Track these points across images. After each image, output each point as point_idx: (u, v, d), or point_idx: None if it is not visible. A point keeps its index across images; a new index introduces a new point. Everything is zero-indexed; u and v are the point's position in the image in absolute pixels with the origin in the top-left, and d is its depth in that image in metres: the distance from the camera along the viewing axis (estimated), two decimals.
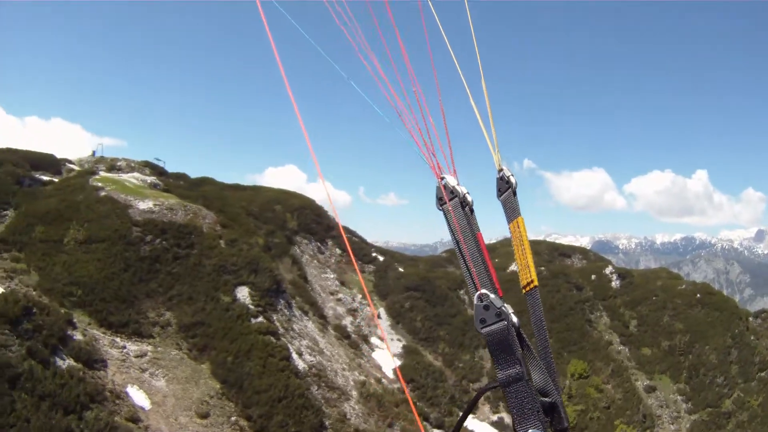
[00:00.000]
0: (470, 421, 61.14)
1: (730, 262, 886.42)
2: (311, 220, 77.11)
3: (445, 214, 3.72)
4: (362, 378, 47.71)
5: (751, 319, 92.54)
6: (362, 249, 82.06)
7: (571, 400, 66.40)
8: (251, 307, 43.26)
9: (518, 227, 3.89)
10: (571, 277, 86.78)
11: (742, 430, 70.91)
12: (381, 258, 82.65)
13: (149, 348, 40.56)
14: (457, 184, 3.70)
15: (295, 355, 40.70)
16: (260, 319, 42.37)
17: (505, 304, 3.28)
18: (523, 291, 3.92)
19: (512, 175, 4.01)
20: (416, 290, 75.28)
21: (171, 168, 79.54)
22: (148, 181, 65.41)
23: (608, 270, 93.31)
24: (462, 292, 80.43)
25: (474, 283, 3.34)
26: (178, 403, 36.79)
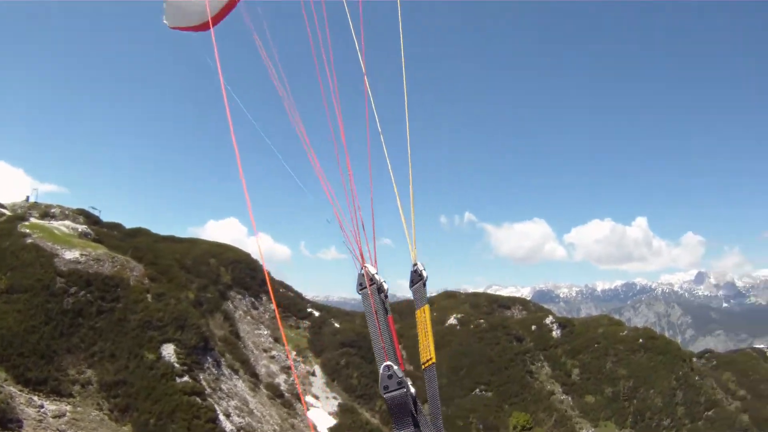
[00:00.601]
0: None
1: (671, 304, 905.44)
2: (246, 275, 74.74)
3: (363, 298, 4.73)
4: None
5: (695, 359, 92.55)
6: (297, 304, 79.84)
7: None
8: (177, 365, 39.98)
9: (424, 314, 5.01)
10: (511, 329, 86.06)
11: None
12: (317, 313, 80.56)
13: (68, 408, 37.79)
14: (376, 273, 4.81)
15: (222, 417, 37.83)
16: (186, 378, 39.05)
17: (406, 377, 4.34)
18: (423, 367, 4.91)
19: (424, 269, 5.00)
20: (352, 346, 73.21)
21: (109, 217, 77.32)
22: (79, 229, 62.11)
23: (548, 320, 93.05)
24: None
25: (382, 355, 4.53)
26: None
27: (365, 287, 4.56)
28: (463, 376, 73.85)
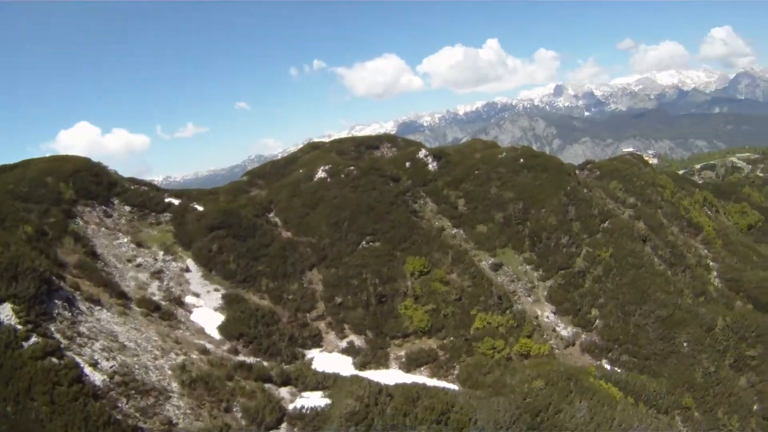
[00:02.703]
0: (317, 356, 55.60)
1: (534, 118, 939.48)
2: (90, 182, 66.17)
3: None
4: (181, 359, 39.56)
5: (578, 172, 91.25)
6: (153, 198, 71.88)
7: (418, 302, 62.25)
8: (19, 327, 32.73)
9: None
10: (384, 170, 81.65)
11: (600, 284, 69.72)
12: (176, 202, 73.29)
13: None
14: None
15: (88, 369, 31.43)
16: (34, 339, 31.78)
17: None
18: None
19: None
20: (221, 228, 66.93)
21: None
22: None
23: (422, 153, 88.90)
24: (271, 215, 73.49)
25: None
26: None
27: None
28: (345, 230, 69.47)
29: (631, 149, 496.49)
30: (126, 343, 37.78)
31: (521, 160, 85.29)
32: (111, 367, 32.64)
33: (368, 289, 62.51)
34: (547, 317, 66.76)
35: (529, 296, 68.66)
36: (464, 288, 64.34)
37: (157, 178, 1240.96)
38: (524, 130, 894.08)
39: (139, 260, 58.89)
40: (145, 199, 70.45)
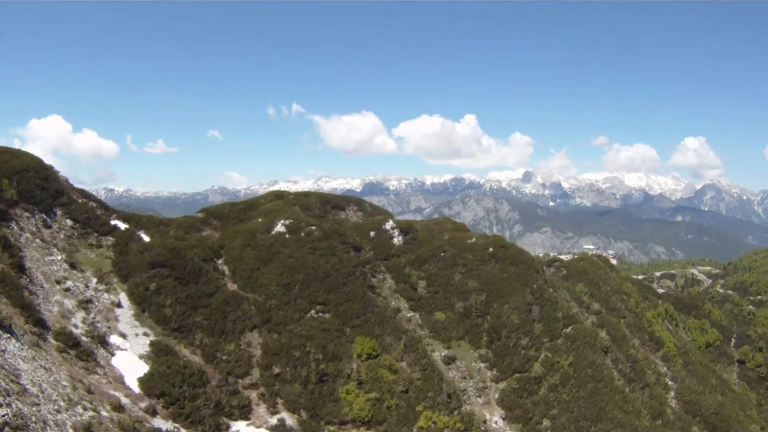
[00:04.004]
0: (242, 431, 49.95)
1: (499, 200, 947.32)
2: (36, 186, 60.47)
3: None
4: (88, 417, 33.91)
5: (545, 268, 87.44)
6: (99, 217, 66.15)
7: (362, 387, 57.68)
8: None
9: None
10: (347, 237, 77.27)
11: (556, 393, 65.35)
12: (123, 226, 67.87)
13: None
14: None
15: None
16: None
17: None
18: None
19: None
20: (164, 266, 61.40)
21: None
22: None
23: (389, 225, 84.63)
24: (220, 261, 68.23)
25: None
26: None
27: None
28: (296, 295, 64.77)
29: (591, 246, 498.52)
30: (28, 386, 32.09)
31: (490, 249, 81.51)
32: (2, 416, 26.90)
33: (310, 365, 57.60)
34: (496, 422, 62.35)
35: (480, 397, 64.35)
36: (413, 380, 59.77)
37: (118, 188, 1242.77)
38: (488, 211, 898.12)
39: (68, 284, 53.21)
40: (90, 216, 64.83)
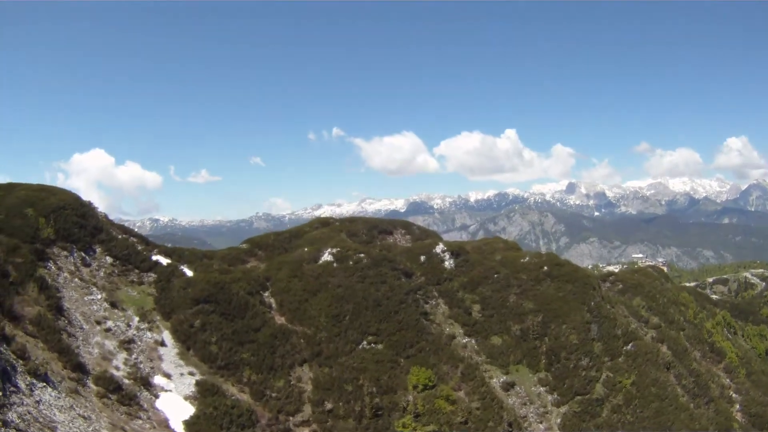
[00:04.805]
0: None
1: (544, 214, 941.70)
2: (73, 223, 59.22)
3: None
4: None
5: (600, 284, 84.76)
6: (140, 252, 64.79)
7: (419, 420, 55.45)
8: None
9: None
10: (397, 262, 75.35)
11: (619, 415, 62.83)
12: (164, 261, 66.50)
13: None
14: None
15: None
16: None
17: None
18: None
19: None
20: (208, 302, 59.67)
21: None
22: None
23: (439, 248, 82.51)
24: (267, 294, 66.70)
25: None
26: None
27: None
28: (346, 326, 62.98)
29: (640, 255, 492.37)
30: None
31: (545, 267, 79.00)
32: None
33: (364, 398, 55.49)
34: None
35: (541, 422, 61.92)
36: (472, 409, 57.42)
37: (163, 218, 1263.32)
38: (533, 225, 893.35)
39: (109, 324, 51.60)
40: (130, 252, 63.49)
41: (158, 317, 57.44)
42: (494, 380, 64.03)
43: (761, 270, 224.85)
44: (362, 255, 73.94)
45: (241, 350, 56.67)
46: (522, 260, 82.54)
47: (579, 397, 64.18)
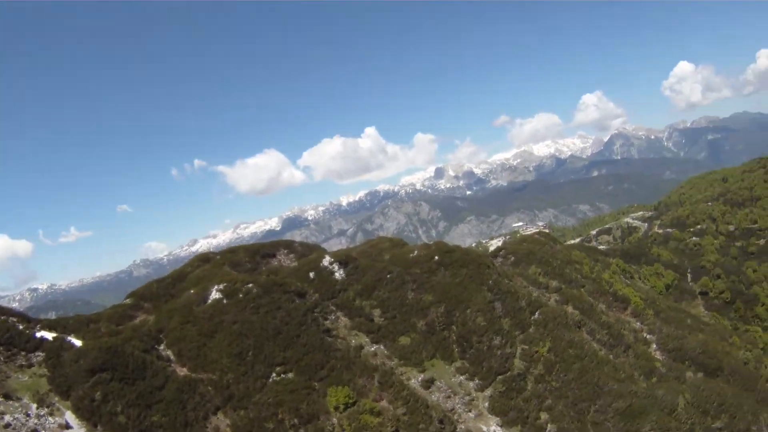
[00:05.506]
0: None
1: (418, 203, 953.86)
2: None
3: None
4: None
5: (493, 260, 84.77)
6: (21, 333, 59.28)
7: None
8: None
9: None
10: (288, 285, 72.57)
11: (544, 383, 63.00)
12: (50, 336, 61.47)
13: None
14: None
15: None
16: None
17: None
18: None
19: None
20: (104, 370, 54.61)
21: None
22: None
23: (326, 261, 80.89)
24: (162, 347, 63.22)
25: None
26: None
27: None
28: (251, 362, 60.20)
29: (519, 223, 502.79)
30: None
31: (436, 257, 78.36)
32: None
33: None
34: (495, 431, 58.62)
35: (470, 411, 60.96)
36: (399, 416, 55.67)
37: (41, 285, 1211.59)
38: (409, 216, 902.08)
39: (7, 418, 47.05)
40: (12, 334, 57.89)
41: (56, 399, 53.02)
42: (413, 381, 62.74)
43: (641, 212, 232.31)
44: (251, 285, 71.23)
45: (150, 413, 53.00)
46: (411, 255, 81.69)
47: (500, 377, 63.81)
